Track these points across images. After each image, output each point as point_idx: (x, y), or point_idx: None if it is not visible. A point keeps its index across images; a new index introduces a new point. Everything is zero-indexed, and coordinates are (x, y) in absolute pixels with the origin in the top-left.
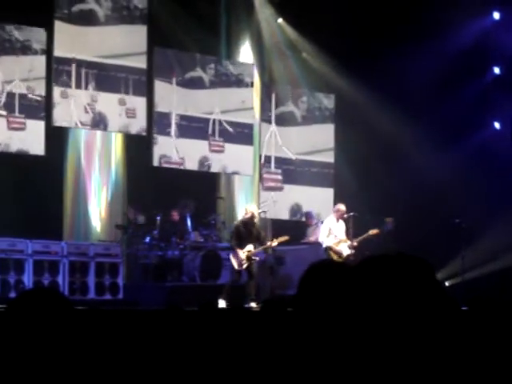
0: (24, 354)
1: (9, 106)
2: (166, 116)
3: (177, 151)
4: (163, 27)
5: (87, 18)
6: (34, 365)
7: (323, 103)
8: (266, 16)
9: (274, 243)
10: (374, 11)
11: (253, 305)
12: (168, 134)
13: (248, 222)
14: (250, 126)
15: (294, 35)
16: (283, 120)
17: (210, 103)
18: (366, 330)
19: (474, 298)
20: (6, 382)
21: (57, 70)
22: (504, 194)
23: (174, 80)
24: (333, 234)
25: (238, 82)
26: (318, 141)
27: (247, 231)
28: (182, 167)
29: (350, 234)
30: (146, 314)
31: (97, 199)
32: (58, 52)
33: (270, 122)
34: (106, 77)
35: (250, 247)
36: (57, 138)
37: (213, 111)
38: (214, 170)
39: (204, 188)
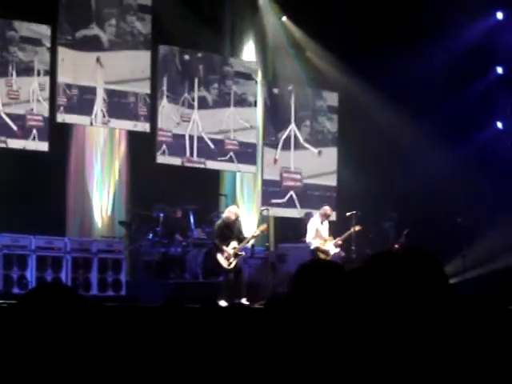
0: (32, 348)
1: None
2: (181, 137)
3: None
4: (167, 27)
5: (91, 44)
6: (40, 359)
7: (326, 126)
8: (270, 14)
9: (256, 233)
10: (378, 10)
11: (243, 301)
12: (183, 155)
13: (230, 222)
14: (253, 146)
15: (298, 33)
16: (286, 144)
17: (214, 123)
18: (375, 327)
19: (476, 297)
20: (16, 374)
21: (60, 96)
22: (506, 194)
23: (180, 100)
24: (319, 235)
25: (242, 101)
26: (320, 164)
27: (228, 230)
28: (203, 166)
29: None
30: (149, 311)
31: (100, 195)
32: (61, 78)
33: (272, 147)
34: (110, 103)
35: (234, 244)
36: (60, 134)
37: (216, 130)
38: (217, 167)
39: (206, 185)
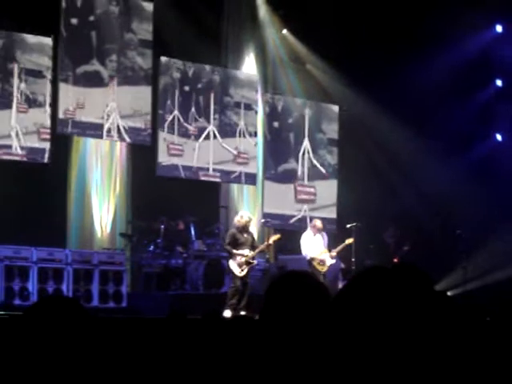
0: (36, 359)
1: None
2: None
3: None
4: (167, 39)
5: (91, 80)
6: (44, 371)
7: (326, 159)
8: (271, 27)
9: (269, 242)
10: (379, 23)
11: (242, 313)
12: (198, 169)
13: (243, 229)
14: (253, 176)
15: (299, 46)
16: (285, 177)
17: (214, 153)
18: (363, 340)
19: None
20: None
21: (62, 131)
22: (505, 205)
23: (180, 131)
24: (313, 247)
25: (242, 131)
26: (320, 197)
27: (243, 237)
28: (218, 180)
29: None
30: (150, 322)
31: (101, 207)
32: (62, 114)
33: (272, 180)
34: (114, 136)
35: (246, 251)
36: (61, 145)
37: (218, 161)
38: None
39: (207, 197)
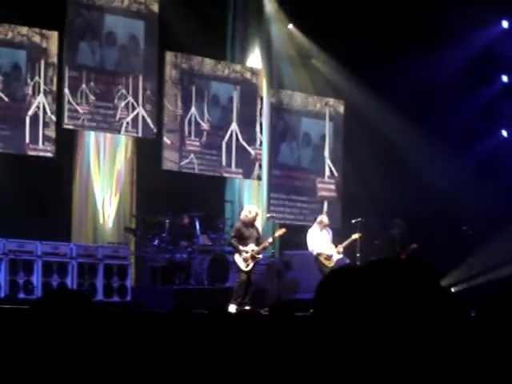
0: (42, 352)
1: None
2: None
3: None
4: (173, 33)
5: (100, 100)
6: (50, 363)
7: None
8: (277, 22)
9: (275, 237)
10: (384, 20)
11: (247, 308)
12: (218, 165)
13: (249, 223)
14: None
15: (304, 41)
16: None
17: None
18: (370, 336)
19: (482, 301)
20: (24, 378)
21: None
22: (511, 202)
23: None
24: (320, 242)
25: (248, 141)
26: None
27: (248, 232)
28: (240, 176)
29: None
30: (154, 316)
31: (106, 201)
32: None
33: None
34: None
35: (252, 246)
36: (66, 140)
37: (224, 171)
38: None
39: (212, 192)
